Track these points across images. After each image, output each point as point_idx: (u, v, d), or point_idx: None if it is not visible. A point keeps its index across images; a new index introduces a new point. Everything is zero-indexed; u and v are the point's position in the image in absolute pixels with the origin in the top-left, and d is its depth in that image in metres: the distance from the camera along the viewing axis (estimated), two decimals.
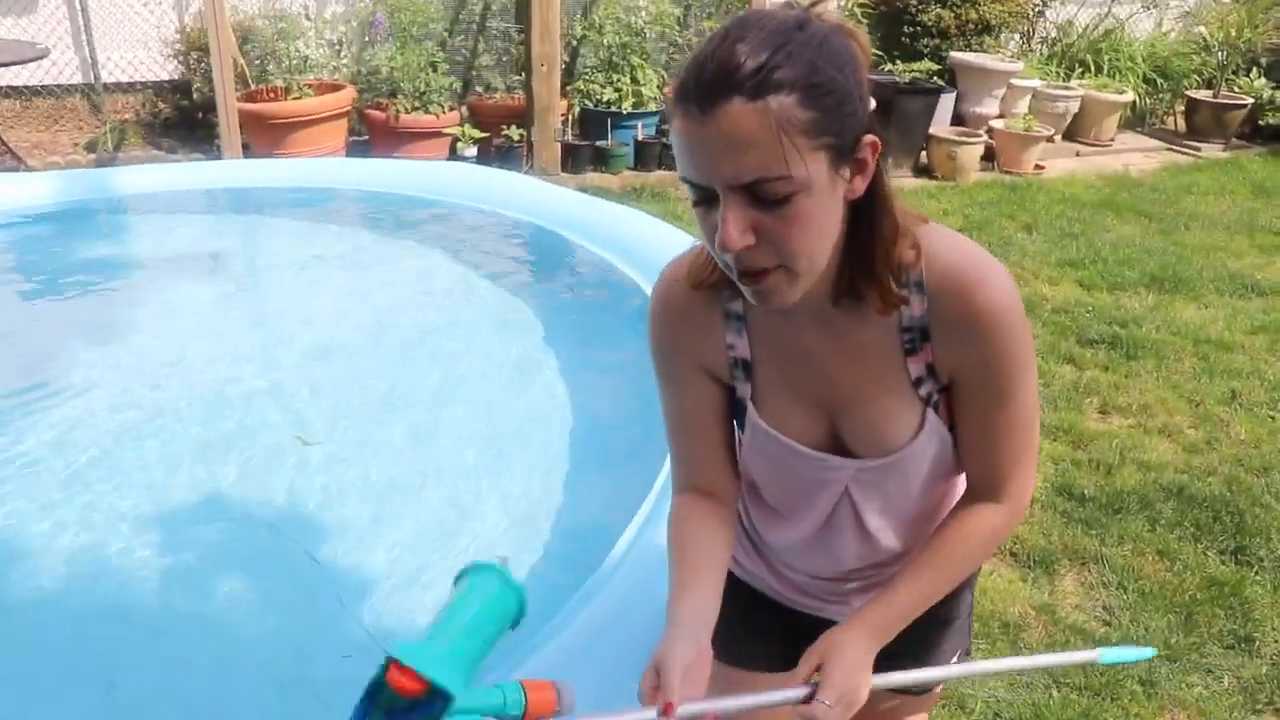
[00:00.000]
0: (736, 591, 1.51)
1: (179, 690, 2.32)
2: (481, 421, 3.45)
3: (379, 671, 1.02)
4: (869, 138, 1.08)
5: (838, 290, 1.19)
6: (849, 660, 1.23)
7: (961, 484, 1.39)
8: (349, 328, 4.19)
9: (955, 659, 1.56)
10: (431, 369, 3.84)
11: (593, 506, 2.95)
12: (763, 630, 1.53)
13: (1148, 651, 1.44)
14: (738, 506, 1.47)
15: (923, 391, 1.24)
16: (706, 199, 1.07)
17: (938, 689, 1.65)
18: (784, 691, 1.22)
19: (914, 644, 1.46)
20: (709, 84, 1.01)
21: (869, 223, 1.13)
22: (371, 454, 3.23)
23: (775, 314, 1.24)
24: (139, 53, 7.17)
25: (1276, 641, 2.84)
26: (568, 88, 7.12)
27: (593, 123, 7.10)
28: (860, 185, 1.10)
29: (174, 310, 4.33)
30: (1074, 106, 8.32)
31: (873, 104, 1.12)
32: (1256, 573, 3.13)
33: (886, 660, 1.45)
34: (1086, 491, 3.52)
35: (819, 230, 1.08)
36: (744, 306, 1.28)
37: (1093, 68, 8.85)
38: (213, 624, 2.53)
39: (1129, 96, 8.56)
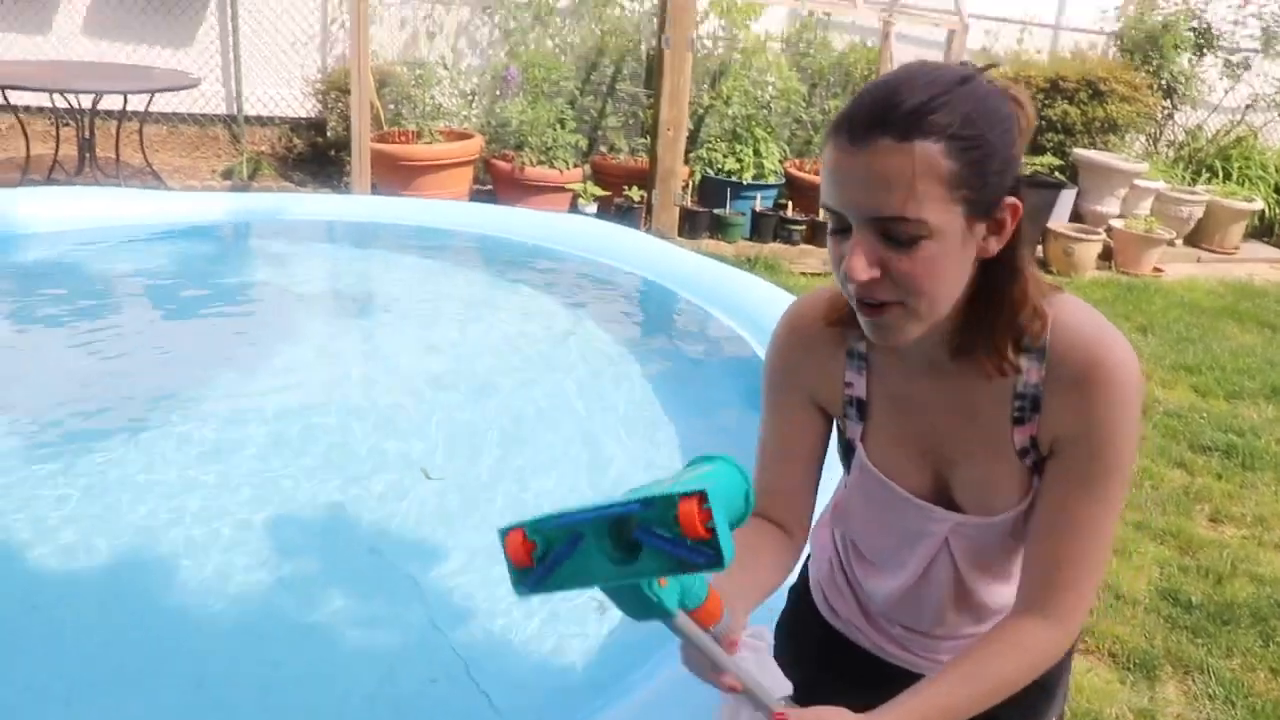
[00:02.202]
0: (815, 635, 1.53)
1: (268, 693, 2.38)
2: (589, 465, 3.50)
3: (669, 492, 0.92)
4: (1010, 200, 1.10)
5: (956, 346, 1.20)
6: None
7: None
8: (473, 365, 4.31)
9: None
10: (546, 410, 3.91)
11: None
12: (848, 677, 1.50)
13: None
14: (829, 546, 1.50)
15: (1027, 461, 1.23)
16: (842, 229, 1.10)
17: None
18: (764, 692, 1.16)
19: (1018, 711, 1.44)
20: (863, 117, 1.04)
21: (996, 284, 1.14)
22: (479, 488, 3.30)
23: (895, 360, 1.26)
24: (281, 90, 7.52)
25: None
26: (690, 155, 7.24)
27: (712, 190, 7.20)
28: (994, 246, 1.11)
29: (315, 337, 4.52)
30: (1198, 211, 8.18)
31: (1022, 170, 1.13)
32: None
33: None
34: (1194, 599, 3.41)
35: (943, 277, 1.10)
36: (867, 347, 1.30)
37: (1220, 174, 8.70)
38: (308, 634, 2.59)
39: (1258, 205, 8.39)
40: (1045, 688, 1.48)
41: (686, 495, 0.91)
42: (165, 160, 7.26)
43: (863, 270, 1.07)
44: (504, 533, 1.02)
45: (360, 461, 3.39)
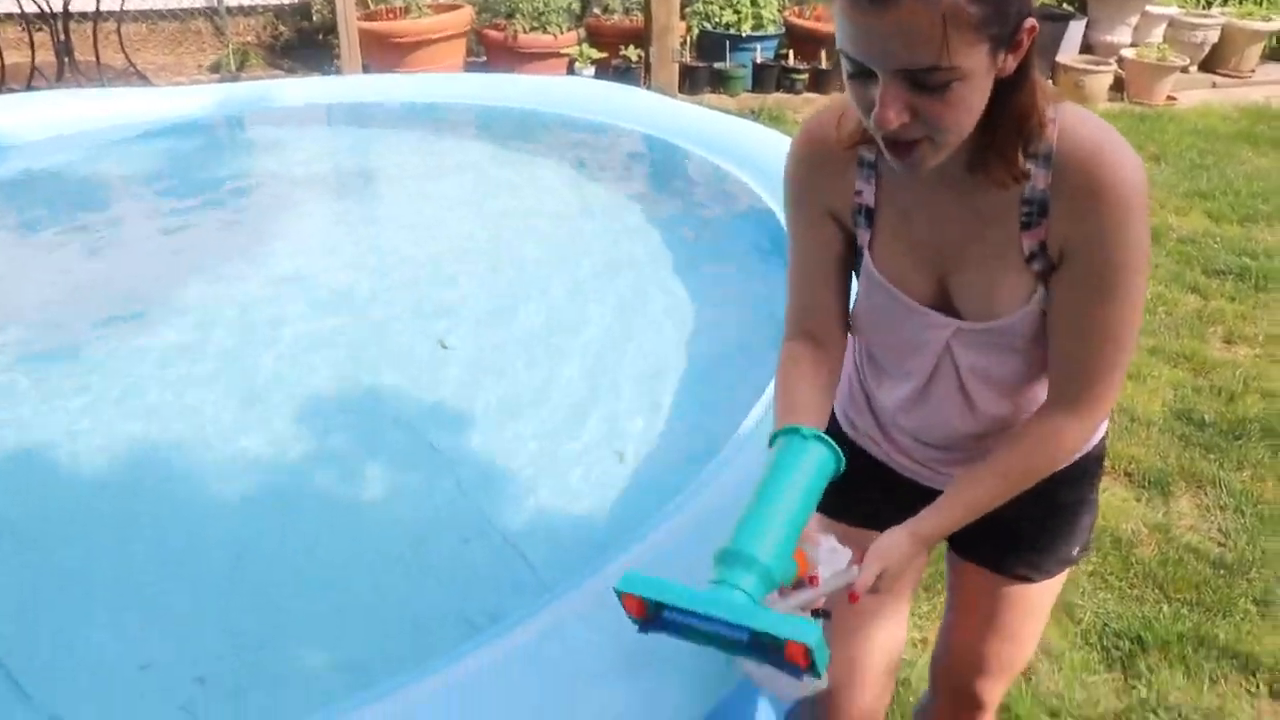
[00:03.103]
0: (847, 453, 1.57)
1: (303, 568, 2.46)
2: (602, 324, 3.53)
3: (776, 636, 1.09)
4: (1029, 22, 1.11)
5: (970, 160, 1.22)
6: (898, 563, 1.32)
7: None
8: (478, 236, 4.31)
9: (1077, 551, 1.58)
10: (559, 274, 3.93)
11: (706, 406, 3.02)
12: (869, 491, 1.57)
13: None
14: (849, 361, 1.54)
15: (1035, 267, 1.25)
16: (863, 73, 1.11)
17: (1069, 568, 1.62)
18: (833, 586, 1.30)
19: (1038, 528, 1.53)
20: None
21: (1009, 97, 1.16)
22: (495, 354, 3.34)
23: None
24: None
25: None
26: (686, 9, 7.09)
27: (711, 45, 7.07)
28: (1012, 64, 1.12)
29: (313, 219, 4.51)
30: (1213, 35, 7.97)
31: None
32: None
33: (1021, 547, 1.54)
34: (1206, 417, 3.47)
35: (970, 110, 1.12)
36: (876, 156, 1.32)
37: None
38: (339, 508, 2.66)
39: (1276, 25, 8.15)
40: (1079, 502, 1.55)
41: (794, 640, 1.07)
42: (148, 59, 7.17)
43: (894, 118, 1.10)
44: (619, 593, 1.19)
45: (376, 337, 3.43)
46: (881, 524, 1.38)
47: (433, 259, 4.08)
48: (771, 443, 1.33)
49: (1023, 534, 1.54)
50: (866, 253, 1.38)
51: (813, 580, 1.29)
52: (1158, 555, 2.83)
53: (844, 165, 1.35)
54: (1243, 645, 2.53)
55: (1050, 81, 6.61)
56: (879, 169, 1.33)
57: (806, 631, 1.08)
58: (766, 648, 1.10)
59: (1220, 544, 2.91)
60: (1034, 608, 1.63)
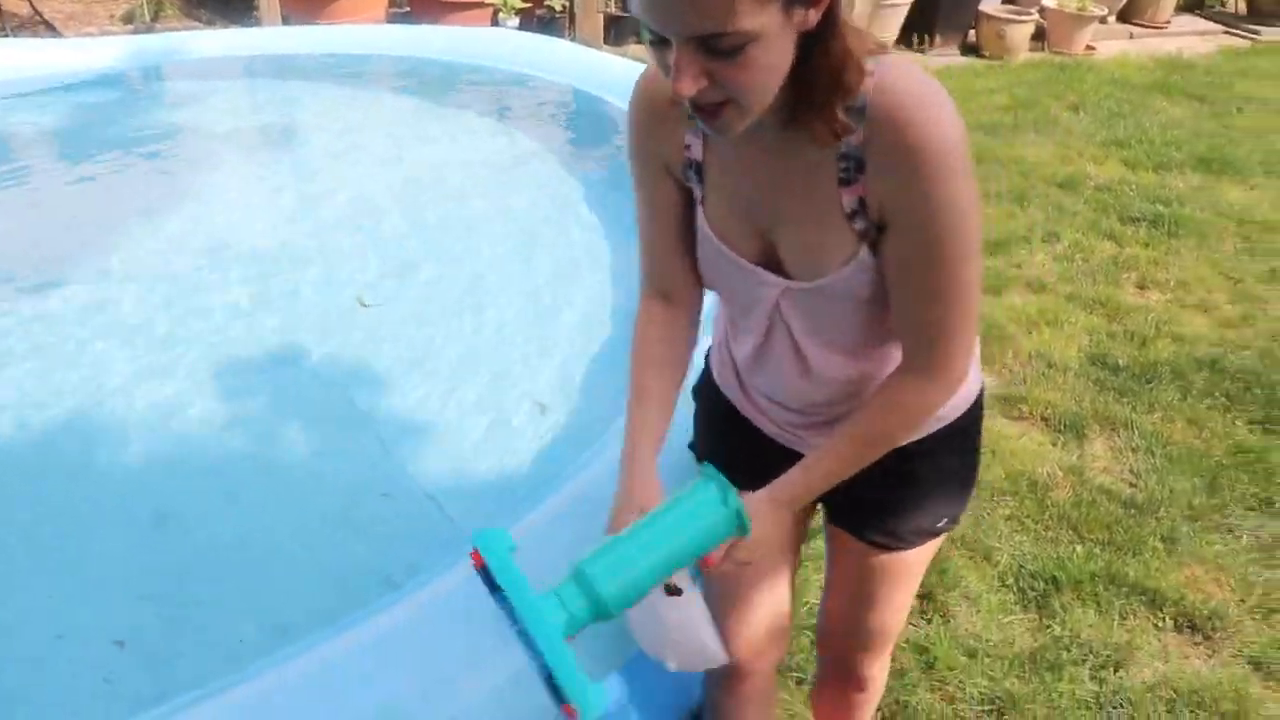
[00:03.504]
0: (717, 403, 1.59)
1: (227, 525, 2.45)
2: (526, 277, 3.53)
3: (559, 692, 1.09)
4: None
5: (785, 117, 1.17)
6: (757, 529, 1.30)
7: None
8: (397, 190, 4.26)
9: (943, 523, 1.55)
10: (478, 229, 3.91)
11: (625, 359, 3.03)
12: (735, 446, 1.56)
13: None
14: (698, 313, 1.52)
15: (857, 225, 1.21)
16: (660, 40, 1.08)
17: (933, 541, 1.59)
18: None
19: (895, 497, 1.50)
20: None
21: (817, 51, 1.11)
22: (417, 311, 3.32)
23: None
24: None
25: None
26: None
27: None
28: (814, 17, 1.08)
29: (230, 175, 4.41)
30: None
31: None
32: None
33: (882, 513, 1.52)
34: (1120, 361, 3.56)
35: (769, 70, 1.08)
36: None
37: None
38: (262, 465, 2.65)
39: None
40: (928, 478, 1.51)
41: (569, 703, 1.08)
42: (55, 8, 6.91)
43: (690, 86, 1.06)
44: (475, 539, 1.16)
45: (295, 296, 3.39)
46: (755, 484, 1.38)
47: (351, 215, 4.03)
48: (698, 459, 1.34)
49: (883, 503, 1.52)
50: (699, 208, 1.36)
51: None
52: (1072, 497, 2.91)
53: (675, 120, 1.32)
54: (1150, 581, 2.61)
55: (973, 31, 6.65)
56: None
57: (585, 697, 1.09)
58: (551, 682, 1.10)
59: (1131, 485, 2.99)
60: (898, 577, 1.61)
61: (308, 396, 2.90)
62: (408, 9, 7.02)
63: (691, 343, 1.49)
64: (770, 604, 1.68)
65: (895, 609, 1.66)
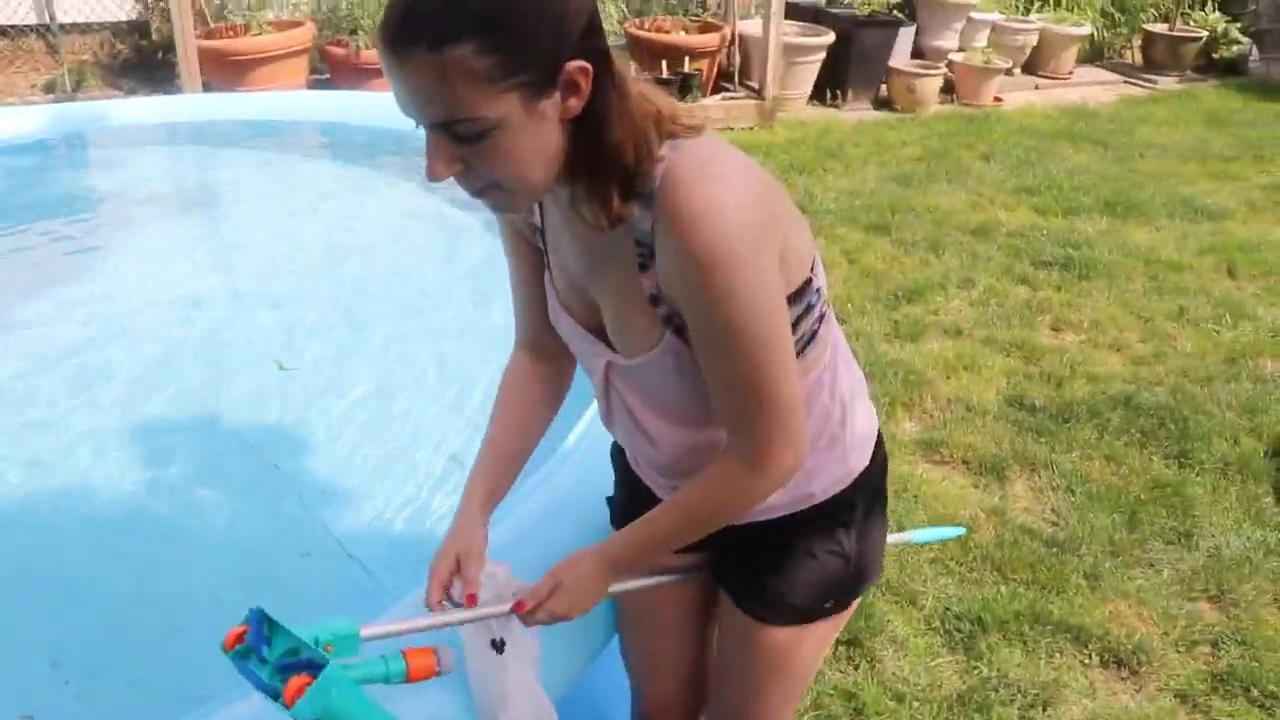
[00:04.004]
0: (627, 472, 1.56)
1: (145, 587, 2.39)
2: (441, 336, 3.53)
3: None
4: (574, 65, 1.04)
5: (570, 199, 1.17)
6: (576, 581, 1.32)
7: None
8: (315, 253, 4.24)
9: (828, 604, 1.48)
10: (394, 290, 3.90)
11: None
12: (630, 500, 1.55)
13: (956, 530, 1.38)
14: (567, 369, 1.53)
15: (660, 310, 1.19)
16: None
17: (813, 623, 1.50)
18: (494, 608, 1.33)
19: (765, 566, 1.45)
20: (395, 32, 1.01)
21: (589, 139, 1.10)
22: (334, 370, 3.30)
23: (548, 197, 1.25)
24: None
25: (1213, 536, 2.96)
26: None
27: None
28: (576, 105, 1.07)
29: (149, 242, 4.36)
30: (1033, 39, 8.36)
31: (586, 24, 1.06)
32: (1197, 474, 3.24)
33: (737, 570, 1.49)
34: (1037, 402, 3.62)
35: (522, 158, 1.07)
36: None
37: (1051, 2, 8.88)
38: (177, 527, 2.60)
39: (1086, 30, 8.61)
40: (806, 551, 1.45)
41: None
42: None
43: (442, 170, 1.07)
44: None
45: (213, 360, 3.35)
46: None
47: (269, 280, 3.99)
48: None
49: (755, 570, 1.46)
50: (546, 272, 1.37)
51: (471, 599, 1.32)
52: (995, 538, 2.93)
53: None
54: (1075, 618, 2.63)
55: (884, 86, 6.78)
56: None
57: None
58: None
59: (1053, 523, 3.03)
60: (773, 661, 1.52)
61: (226, 459, 2.86)
62: (328, 76, 7.02)
63: (552, 397, 1.51)
64: (679, 658, 1.67)
65: (776, 700, 1.57)
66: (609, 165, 1.10)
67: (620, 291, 1.22)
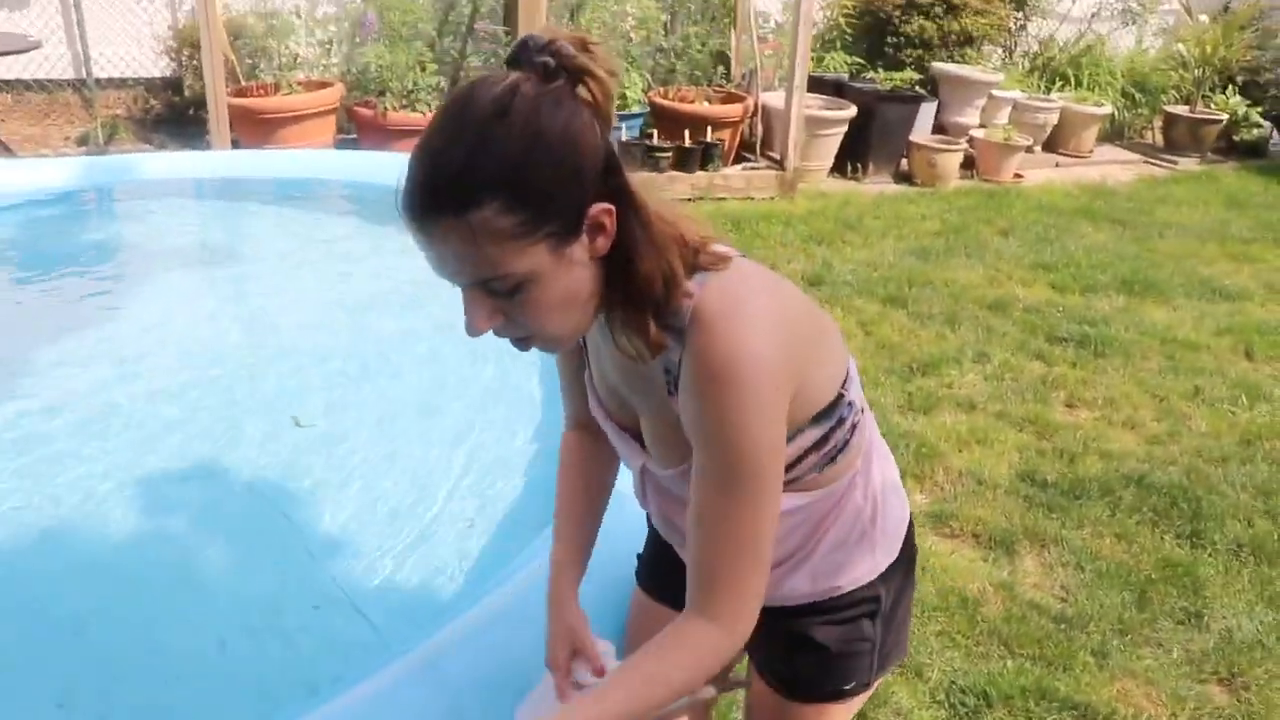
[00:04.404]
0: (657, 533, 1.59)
1: (153, 634, 2.41)
2: (460, 396, 3.56)
3: None
4: (598, 208, 1.07)
5: (612, 331, 1.19)
6: None
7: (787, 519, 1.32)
8: (336, 310, 4.31)
9: (850, 685, 1.49)
10: (414, 349, 3.94)
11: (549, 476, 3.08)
12: (661, 559, 1.57)
13: None
14: None
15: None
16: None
17: (841, 701, 1.51)
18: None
19: (786, 644, 1.47)
20: (418, 205, 1.04)
21: (620, 273, 1.12)
22: (349, 426, 3.34)
23: None
24: (131, 49, 7.25)
25: (1225, 617, 2.94)
26: None
27: None
28: (604, 244, 1.09)
29: (173, 294, 4.44)
30: (1053, 118, 8.45)
31: (610, 159, 1.09)
32: (1209, 555, 3.23)
33: (763, 649, 1.49)
34: (1049, 478, 3.61)
35: (559, 305, 1.10)
36: None
37: (1073, 81, 8.99)
38: (188, 578, 2.62)
39: (1107, 110, 8.71)
40: (816, 646, 1.46)
41: None
42: (13, 130, 6.97)
43: (482, 324, 1.10)
44: None
45: (231, 414, 3.38)
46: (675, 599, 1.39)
47: (290, 335, 4.05)
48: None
49: (780, 651, 1.49)
50: (587, 375, 1.41)
51: (601, 671, 1.37)
52: (1003, 613, 2.92)
53: None
54: (1081, 695, 2.61)
55: (905, 160, 6.85)
56: None
57: None
58: None
59: (1062, 600, 3.01)
60: None
61: (239, 512, 2.89)
62: (355, 136, 7.15)
63: (613, 469, 1.53)
64: None
65: None
66: (642, 297, 1.12)
67: (655, 410, 1.26)
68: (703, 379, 1.10)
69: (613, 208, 1.08)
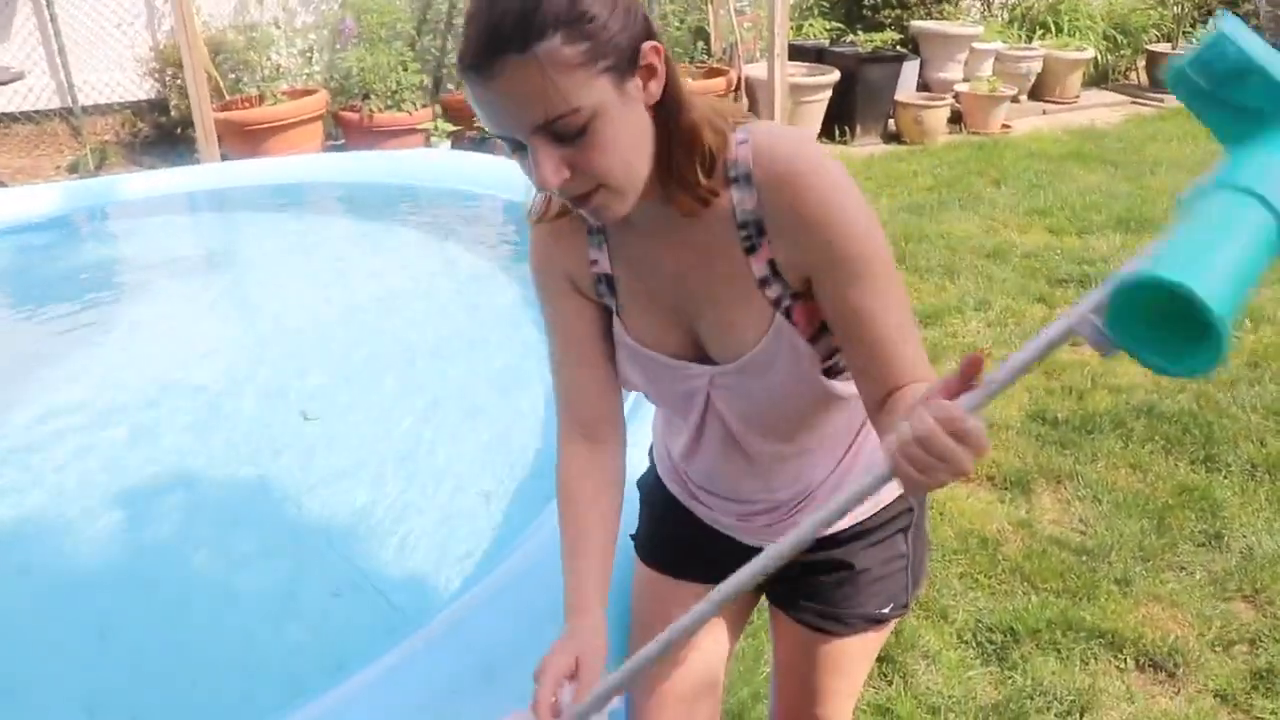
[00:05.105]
0: (660, 493, 1.59)
1: (177, 632, 2.43)
2: (467, 380, 3.59)
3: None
4: (648, 44, 1.10)
5: (661, 193, 1.20)
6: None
7: (842, 410, 1.35)
8: (337, 306, 4.36)
9: (889, 609, 1.53)
10: (418, 338, 3.98)
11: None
12: (679, 535, 1.57)
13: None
14: (623, 448, 1.48)
15: (770, 293, 1.23)
16: (518, 146, 1.11)
17: (879, 627, 1.56)
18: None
19: (832, 580, 1.49)
20: (480, 49, 1.04)
21: (670, 122, 1.15)
22: (357, 419, 3.37)
23: (626, 225, 1.27)
24: (115, 73, 7.26)
25: (1244, 536, 2.95)
26: None
27: None
28: (656, 89, 1.12)
29: (172, 300, 4.50)
30: (1036, 66, 8.43)
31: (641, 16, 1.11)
32: (1225, 477, 3.24)
33: (800, 591, 1.51)
34: (1060, 415, 3.62)
35: (625, 146, 1.11)
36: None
37: (1054, 29, 8.96)
38: (206, 572, 2.66)
39: (1089, 54, 8.68)
40: (861, 570, 1.49)
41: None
42: (4, 164, 6.99)
43: (553, 176, 1.09)
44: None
45: (240, 412, 3.42)
46: (696, 573, 1.42)
47: (293, 333, 4.09)
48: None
49: (821, 586, 1.50)
50: (617, 321, 1.36)
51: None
52: (1023, 550, 2.93)
53: (576, 238, 1.34)
54: (1108, 624, 2.62)
55: (892, 120, 6.83)
56: (607, 234, 1.32)
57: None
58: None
59: (1081, 533, 3.02)
60: (840, 665, 1.57)
61: (253, 506, 2.92)
62: (342, 140, 7.17)
63: (620, 480, 1.45)
64: (695, 688, 1.62)
65: (842, 698, 1.62)
66: (689, 147, 1.16)
67: (725, 287, 1.25)
68: (800, 184, 1.15)
69: (661, 47, 1.11)
